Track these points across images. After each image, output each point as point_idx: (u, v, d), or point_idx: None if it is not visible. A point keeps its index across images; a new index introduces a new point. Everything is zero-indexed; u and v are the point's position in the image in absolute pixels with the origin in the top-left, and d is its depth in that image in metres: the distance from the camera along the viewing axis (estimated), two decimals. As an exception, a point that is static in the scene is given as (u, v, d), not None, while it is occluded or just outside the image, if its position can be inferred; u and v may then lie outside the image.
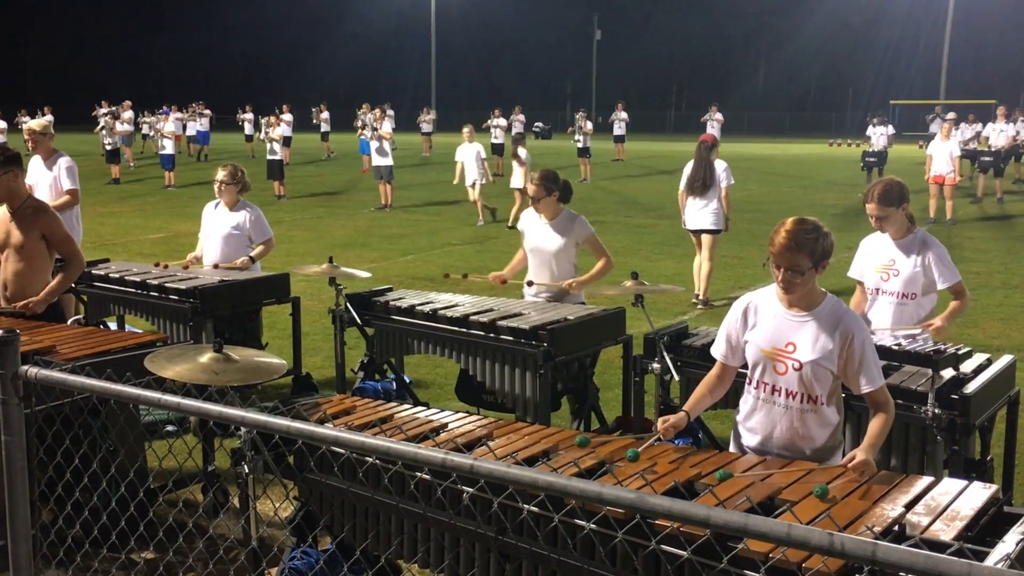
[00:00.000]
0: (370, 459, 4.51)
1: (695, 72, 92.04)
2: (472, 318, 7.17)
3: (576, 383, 7.26)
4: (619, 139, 42.31)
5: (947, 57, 65.33)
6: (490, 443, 4.61)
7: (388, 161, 24.10)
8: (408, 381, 8.96)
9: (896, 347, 5.83)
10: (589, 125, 33.90)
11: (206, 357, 4.49)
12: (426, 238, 19.52)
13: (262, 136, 27.40)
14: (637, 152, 48.22)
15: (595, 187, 30.12)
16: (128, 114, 35.83)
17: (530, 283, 7.97)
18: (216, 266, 9.16)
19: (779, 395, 4.63)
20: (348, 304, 8.03)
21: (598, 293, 7.63)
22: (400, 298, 8.01)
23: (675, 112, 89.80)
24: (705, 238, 13.25)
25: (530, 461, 4.30)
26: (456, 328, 7.27)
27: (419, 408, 5.41)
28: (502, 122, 38.44)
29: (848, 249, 7.61)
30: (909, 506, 3.69)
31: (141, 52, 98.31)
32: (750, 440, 4.78)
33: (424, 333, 7.49)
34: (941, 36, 66.33)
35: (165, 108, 31.00)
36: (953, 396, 5.33)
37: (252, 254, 9.23)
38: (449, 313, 7.35)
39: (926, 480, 3.97)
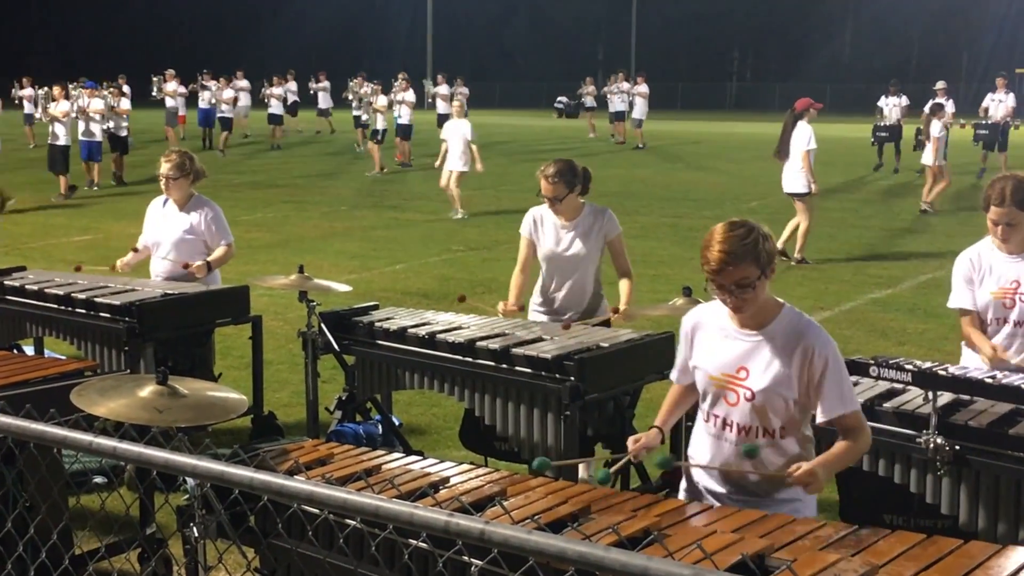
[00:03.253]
0: (353, 521, 4.52)
1: (762, 33, 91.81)
2: (479, 344, 7.18)
3: (611, 428, 7.25)
4: (618, 116, 42.69)
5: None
6: (504, 503, 4.63)
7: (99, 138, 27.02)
8: (398, 424, 8.98)
9: (989, 379, 5.84)
10: (410, 96, 33.16)
11: (147, 391, 4.53)
12: (420, 242, 19.55)
13: (42, 117, 28.43)
14: (688, 134, 48.26)
15: (633, 178, 30.13)
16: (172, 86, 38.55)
17: (566, 326, 7.59)
18: (187, 265, 9.12)
19: (730, 430, 4.85)
20: (322, 325, 8.05)
21: (640, 314, 7.64)
22: (388, 318, 8.03)
23: (737, 84, 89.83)
24: (795, 201, 17.53)
25: (556, 526, 4.32)
26: (459, 357, 7.28)
27: (413, 458, 5.42)
28: (443, 89, 38.75)
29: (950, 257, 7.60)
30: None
31: (66, 14, 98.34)
32: (703, 480, 5.03)
33: (418, 363, 7.50)
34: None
35: (89, 81, 30.91)
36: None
37: (210, 259, 9.25)
38: (450, 338, 7.36)
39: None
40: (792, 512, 4.67)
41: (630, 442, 5.06)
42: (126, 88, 32.80)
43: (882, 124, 32.86)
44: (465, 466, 5.26)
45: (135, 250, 9.57)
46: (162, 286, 8.89)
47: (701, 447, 5.01)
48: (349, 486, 4.66)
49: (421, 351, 7.50)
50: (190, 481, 4.62)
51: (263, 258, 17.36)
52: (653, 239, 19.77)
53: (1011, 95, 31.54)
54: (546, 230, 8.01)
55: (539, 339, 7.23)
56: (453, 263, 17.48)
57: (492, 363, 7.12)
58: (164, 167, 9.31)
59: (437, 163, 23.52)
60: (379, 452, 5.55)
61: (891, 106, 33.03)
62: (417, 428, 9.55)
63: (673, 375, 5.25)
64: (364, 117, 35.16)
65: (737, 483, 4.89)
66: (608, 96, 43.02)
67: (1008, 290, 6.69)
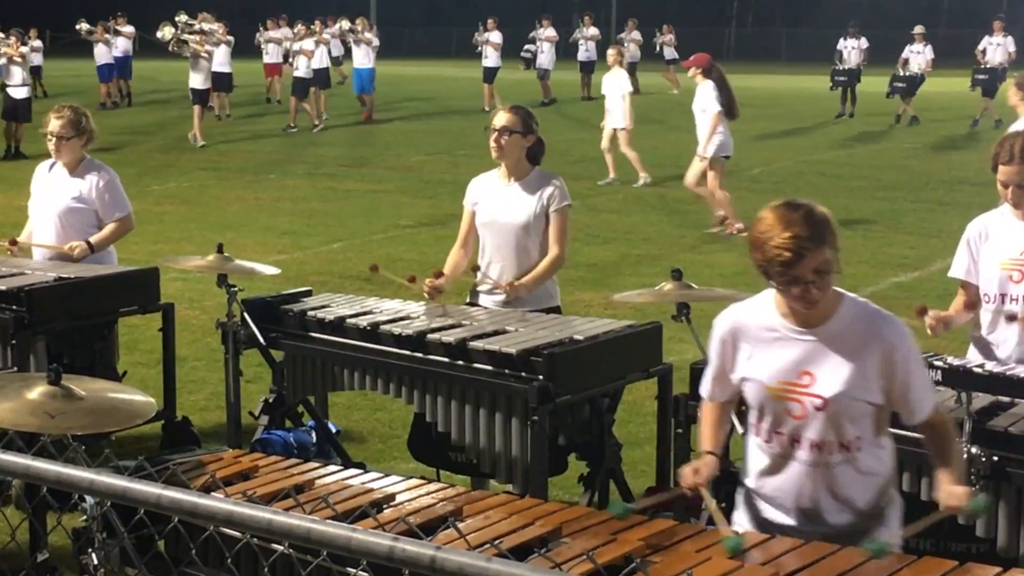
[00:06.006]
0: (280, 546, 4.52)
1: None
2: (431, 337, 7.19)
3: (587, 436, 7.28)
4: (587, 68, 42.30)
5: None
6: (459, 524, 4.63)
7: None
8: (335, 431, 8.97)
9: None
10: (221, 52, 32.87)
11: (37, 392, 4.50)
12: (362, 217, 19.53)
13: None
14: (678, 89, 48.29)
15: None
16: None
17: (476, 268, 8.01)
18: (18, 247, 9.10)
19: (800, 447, 4.73)
20: (246, 315, 8.04)
21: (622, 301, 7.65)
22: (323, 306, 8.01)
23: (736, 30, 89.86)
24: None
25: (520, 552, 4.33)
26: (407, 352, 7.28)
27: (352, 471, 5.43)
28: (495, 37, 38.72)
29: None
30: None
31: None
32: (768, 512, 4.90)
33: (359, 359, 7.51)
34: None
35: None
36: None
37: (92, 239, 9.18)
38: (397, 330, 7.36)
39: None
40: None
41: (687, 472, 4.91)
42: (38, 43, 32.82)
43: (840, 68, 35.70)
44: (414, 481, 5.27)
45: None
46: (55, 269, 8.83)
47: (765, 472, 4.88)
48: (275, 505, 4.66)
49: (362, 345, 7.50)
50: (88, 499, 4.60)
51: (176, 235, 17.31)
52: (637, 213, 19.80)
53: (1010, 38, 33.94)
54: (486, 191, 8.01)
55: (502, 331, 7.23)
56: (401, 241, 17.45)
57: (446, 359, 7.11)
58: (54, 124, 9.15)
59: (602, 124, 23.53)
60: (312, 464, 5.55)
61: (850, 48, 36.11)
62: (358, 436, 9.55)
63: (704, 390, 5.13)
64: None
65: (811, 514, 4.77)
66: (582, 43, 42.68)
67: (1018, 261, 6.68)
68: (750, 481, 4.98)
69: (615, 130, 22.67)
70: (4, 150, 27.03)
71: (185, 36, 31.39)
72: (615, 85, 22.77)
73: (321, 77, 34.07)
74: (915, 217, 19.52)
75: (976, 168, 23.75)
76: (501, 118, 7.89)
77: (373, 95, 34.91)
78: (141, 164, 24.84)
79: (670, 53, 45.94)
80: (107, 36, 39.37)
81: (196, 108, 29.35)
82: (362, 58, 34.78)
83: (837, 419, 4.64)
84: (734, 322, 4.91)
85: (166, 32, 32.93)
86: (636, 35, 43.95)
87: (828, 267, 4.51)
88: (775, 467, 4.82)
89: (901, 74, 33.97)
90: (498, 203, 7.94)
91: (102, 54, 38.83)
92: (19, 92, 27.37)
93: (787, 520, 4.83)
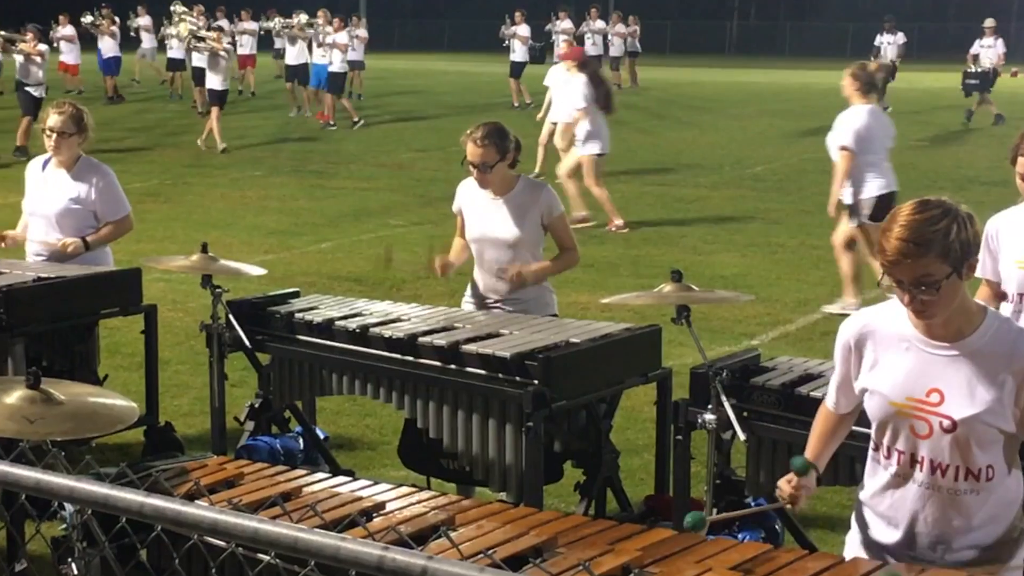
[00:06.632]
0: (267, 556, 4.51)
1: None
2: (423, 340, 7.19)
3: (584, 443, 7.27)
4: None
5: None
6: (451, 533, 4.64)
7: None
8: (323, 437, 8.96)
9: None
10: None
11: (15, 396, 4.50)
12: (352, 216, 19.51)
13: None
14: (680, 83, 48.32)
15: (610, 137, 30.07)
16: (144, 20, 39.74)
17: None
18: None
19: (920, 469, 4.57)
20: (231, 317, 8.03)
21: (621, 303, 7.64)
22: (311, 308, 8.01)
23: (739, 23, 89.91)
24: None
25: (514, 563, 4.33)
26: (398, 356, 7.29)
27: (340, 478, 5.43)
28: (523, 30, 38.68)
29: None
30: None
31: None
32: (881, 532, 4.76)
33: (348, 363, 7.51)
34: None
35: None
36: None
37: (88, 237, 9.15)
38: (387, 333, 7.36)
39: None
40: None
41: (783, 484, 4.82)
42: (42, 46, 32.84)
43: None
44: (404, 489, 5.27)
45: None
46: (36, 268, 8.81)
47: (882, 490, 4.72)
48: (262, 513, 4.65)
49: (351, 348, 7.50)
50: (68, 507, 4.60)
51: (159, 234, 17.28)
52: (635, 211, 19.75)
53: None
54: (474, 204, 8.00)
55: (496, 334, 7.22)
56: (392, 241, 17.40)
57: (438, 363, 7.12)
58: (55, 119, 9.06)
59: (539, 116, 23.60)
60: (299, 472, 5.55)
61: (887, 44, 36.81)
62: (346, 442, 9.54)
63: (829, 400, 4.96)
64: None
65: (925, 541, 4.60)
66: (588, 36, 42.79)
67: None
68: (864, 496, 4.83)
69: (554, 124, 22.46)
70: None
71: (202, 33, 30.81)
72: (561, 79, 22.56)
73: (300, 72, 33.96)
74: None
75: (986, 166, 23.80)
76: (476, 154, 7.80)
77: (336, 96, 33.97)
78: (123, 161, 24.73)
79: (632, 45, 46.07)
80: (113, 29, 39.44)
81: (215, 110, 27.71)
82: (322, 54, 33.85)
83: (965, 443, 4.44)
84: (863, 327, 4.70)
85: (181, 29, 32.59)
86: (620, 28, 44.08)
87: (932, 281, 4.25)
88: (892, 485, 4.65)
89: (973, 70, 33.73)
90: (487, 219, 7.94)
91: (109, 47, 38.87)
92: (36, 92, 26.45)
93: (896, 539, 4.67)
